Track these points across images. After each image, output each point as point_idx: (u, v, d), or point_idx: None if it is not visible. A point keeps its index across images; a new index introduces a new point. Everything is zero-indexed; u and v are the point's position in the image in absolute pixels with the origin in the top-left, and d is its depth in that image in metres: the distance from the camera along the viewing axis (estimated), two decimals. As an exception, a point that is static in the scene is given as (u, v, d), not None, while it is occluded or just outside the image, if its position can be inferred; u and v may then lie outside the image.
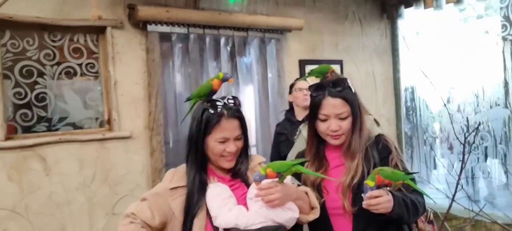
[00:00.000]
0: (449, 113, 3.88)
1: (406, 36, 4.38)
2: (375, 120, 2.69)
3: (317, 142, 1.64)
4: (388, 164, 1.54)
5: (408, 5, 4.11)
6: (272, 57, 3.48)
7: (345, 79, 1.58)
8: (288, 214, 1.42)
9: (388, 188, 1.43)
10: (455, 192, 3.61)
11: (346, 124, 1.55)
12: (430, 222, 2.07)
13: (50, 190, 2.61)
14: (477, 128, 3.95)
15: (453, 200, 3.60)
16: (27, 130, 2.61)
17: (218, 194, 1.44)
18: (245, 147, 1.53)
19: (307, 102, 2.61)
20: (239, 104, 1.51)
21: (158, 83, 2.89)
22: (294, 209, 1.44)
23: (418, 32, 4.69)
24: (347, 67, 3.96)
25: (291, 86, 2.83)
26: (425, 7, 3.92)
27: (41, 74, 2.63)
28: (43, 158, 2.59)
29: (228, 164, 1.48)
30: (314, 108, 1.59)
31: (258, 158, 1.65)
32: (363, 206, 1.40)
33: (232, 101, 1.49)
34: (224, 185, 1.48)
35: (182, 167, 1.52)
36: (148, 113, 2.92)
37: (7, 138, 2.48)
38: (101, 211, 2.78)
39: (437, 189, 4.16)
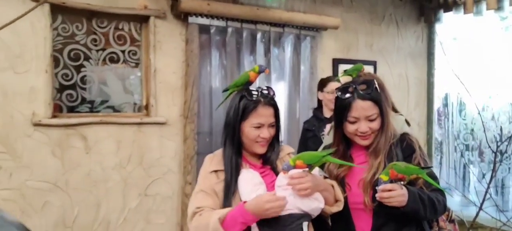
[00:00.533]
0: (482, 121, 3.82)
1: (443, 41, 4.32)
2: (406, 120, 2.69)
3: (344, 142, 1.68)
4: (411, 163, 1.57)
5: (447, 9, 4.04)
6: (306, 55, 3.52)
7: (373, 80, 1.61)
8: (314, 204, 1.50)
9: (401, 182, 1.47)
10: (483, 200, 3.58)
11: (375, 125, 1.59)
12: (451, 221, 2.09)
13: (89, 167, 2.76)
14: (510, 137, 3.87)
15: (480, 208, 3.57)
16: (71, 109, 2.77)
17: (249, 179, 1.53)
18: (277, 135, 1.62)
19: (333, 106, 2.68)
20: (274, 94, 1.60)
21: (195, 74, 2.99)
22: (320, 199, 1.51)
23: (455, 38, 4.61)
24: (380, 68, 3.95)
25: (322, 84, 2.85)
26: (464, 12, 3.85)
27: (87, 58, 2.78)
28: (84, 137, 2.73)
29: (261, 149, 1.57)
30: (342, 110, 1.61)
31: (287, 148, 1.73)
32: (377, 198, 1.46)
33: (266, 91, 1.59)
34: (255, 172, 1.56)
35: (219, 152, 1.62)
36: (183, 102, 3.02)
37: (53, 116, 2.64)
38: (135, 191, 2.91)
39: (464, 197, 4.12)
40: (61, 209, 2.69)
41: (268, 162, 1.62)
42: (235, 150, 1.58)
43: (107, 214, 2.83)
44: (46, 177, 2.63)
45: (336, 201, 1.58)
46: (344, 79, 2.76)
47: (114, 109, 2.91)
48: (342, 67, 3.72)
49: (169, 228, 3.03)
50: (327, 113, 2.80)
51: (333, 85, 2.72)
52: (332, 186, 1.58)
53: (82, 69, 2.77)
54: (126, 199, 2.89)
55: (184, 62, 3.01)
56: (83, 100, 2.80)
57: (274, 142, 1.62)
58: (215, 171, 1.58)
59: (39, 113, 2.57)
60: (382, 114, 1.60)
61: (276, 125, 1.60)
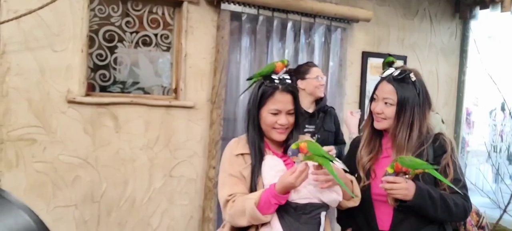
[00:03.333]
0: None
1: (478, 38, 4.20)
2: (441, 120, 2.67)
3: (371, 123, 1.69)
4: (440, 164, 1.57)
5: (483, 6, 3.92)
6: (336, 46, 3.49)
7: (409, 74, 1.59)
8: (333, 196, 1.53)
9: (406, 176, 1.48)
10: (508, 203, 3.51)
11: (389, 112, 1.58)
12: (481, 227, 2.05)
13: (118, 146, 2.84)
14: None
15: (504, 211, 3.50)
16: (103, 89, 2.85)
17: (273, 165, 1.56)
18: (297, 123, 1.62)
19: (321, 93, 2.60)
20: (294, 79, 1.63)
21: (224, 60, 3.01)
22: (339, 192, 1.54)
23: (490, 36, 4.48)
24: (410, 64, 3.88)
25: (304, 71, 2.61)
26: (501, 10, 3.72)
27: (121, 40, 2.84)
28: (115, 116, 2.81)
29: (279, 136, 1.58)
30: (374, 89, 1.66)
31: (308, 138, 1.72)
32: (380, 187, 1.50)
33: (288, 77, 1.60)
34: (279, 159, 1.59)
35: (243, 137, 1.65)
36: (211, 87, 3.06)
37: (87, 94, 2.72)
38: (160, 172, 2.99)
39: (489, 199, 4.05)
40: (90, 184, 2.79)
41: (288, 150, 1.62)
42: (258, 136, 1.60)
43: (133, 192, 2.92)
44: (78, 153, 2.73)
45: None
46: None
47: (144, 91, 2.98)
48: (372, 61, 3.68)
49: (192, 209, 3.11)
50: (307, 105, 2.60)
51: (316, 70, 2.61)
52: (351, 182, 1.60)
53: (116, 50, 2.84)
54: (152, 179, 2.97)
55: (214, 48, 3.04)
56: (115, 80, 2.87)
57: (293, 130, 1.62)
58: (242, 154, 1.59)
59: (74, 91, 2.65)
60: (400, 105, 1.57)
61: (295, 112, 1.60)
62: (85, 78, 2.70)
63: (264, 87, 1.57)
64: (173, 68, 3.00)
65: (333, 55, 3.50)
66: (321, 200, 1.53)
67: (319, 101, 2.66)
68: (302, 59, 3.38)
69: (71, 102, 2.65)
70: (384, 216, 1.61)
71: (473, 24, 4.15)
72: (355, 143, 1.80)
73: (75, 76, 2.65)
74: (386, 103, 1.59)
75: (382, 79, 1.62)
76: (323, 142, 2.51)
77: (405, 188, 1.46)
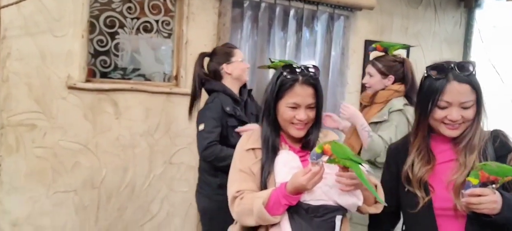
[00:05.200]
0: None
1: (482, 28, 4.15)
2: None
3: (426, 133, 1.46)
4: (506, 163, 1.35)
5: (489, -5, 3.87)
6: (338, 35, 3.46)
7: (474, 62, 1.40)
8: (352, 200, 1.40)
9: (493, 186, 1.27)
10: None
11: (469, 114, 1.37)
12: None
13: (118, 132, 2.84)
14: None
15: None
16: (104, 75, 2.83)
17: (287, 161, 1.44)
18: (318, 118, 1.50)
19: (247, 77, 2.39)
20: (318, 74, 1.47)
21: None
22: (359, 196, 1.41)
23: (495, 26, 4.42)
24: (413, 53, 3.84)
25: (228, 54, 2.37)
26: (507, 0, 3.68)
27: (121, 26, 2.81)
28: (115, 102, 2.80)
29: (297, 133, 1.46)
30: (432, 93, 1.37)
31: (332, 135, 1.59)
32: (462, 203, 1.28)
33: (312, 68, 1.46)
34: (295, 155, 1.47)
35: (257, 130, 1.54)
36: (212, 75, 3.04)
37: (87, 80, 2.70)
38: (160, 159, 2.99)
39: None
40: (90, 170, 2.79)
41: (307, 145, 1.50)
42: (272, 129, 1.48)
43: (133, 178, 2.93)
44: (78, 139, 2.73)
45: (376, 202, 1.46)
46: (372, 55, 2.60)
47: (145, 77, 2.96)
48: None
49: (192, 196, 3.07)
50: (236, 89, 2.38)
51: (239, 52, 2.40)
52: (375, 186, 1.44)
53: (117, 36, 2.81)
54: (152, 165, 2.97)
55: (215, 35, 3.01)
56: (116, 67, 2.86)
57: (314, 125, 1.50)
58: (253, 149, 1.49)
59: (74, 77, 2.64)
60: (479, 104, 1.38)
61: (317, 106, 1.47)
62: (86, 64, 2.69)
63: (282, 78, 1.44)
64: (174, 55, 2.98)
65: (335, 44, 3.47)
66: (337, 202, 1.40)
67: (243, 86, 2.45)
68: (304, 47, 3.35)
69: (71, 88, 2.64)
70: None
71: (478, 13, 4.10)
72: (393, 153, 1.59)
73: (76, 62, 2.63)
74: (463, 107, 1.36)
75: (445, 79, 1.35)
76: None
77: (494, 201, 1.23)
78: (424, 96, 1.40)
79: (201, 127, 2.28)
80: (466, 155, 1.38)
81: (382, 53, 2.48)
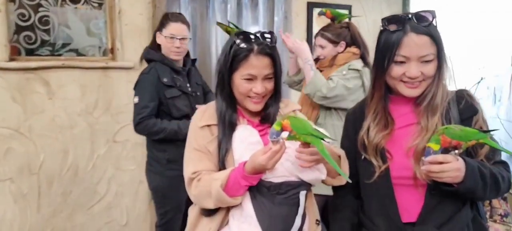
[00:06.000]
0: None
1: (419, -15, 4.24)
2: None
3: (383, 93, 1.32)
4: (471, 126, 1.22)
5: (425, -48, 3.93)
6: (280, -1, 3.40)
7: (433, 11, 1.25)
8: (314, 174, 1.33)
9: (456, 152, 1.14)
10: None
11: (430, 69, 1.23)
12: (504, 198, 1.88)
13: (53, 113, 2.67)
14: None
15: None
16: (30, 52, 2.62)
17: (245, 137, 1.35)
18: (277, 89, 1.39)
19: (178, 56, 2.25)
20: (275, 41, 1.35)
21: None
22: (322, 170, 1.34)
23: (432, -18, 4.54)
24: (355, 13, 3.88)
25: (162, 23, 2.25)
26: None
27: (44, -3, 2.60)
28: (47, 81, 2.62)
29: (254, 106, 1.37)
30: (388, 48, 1.23)
31: (293, 104, 1.52)
32: (422, 171, 1.15)
33: (268, 36, 1.34)
34: (254, 129, 1.38)
35: (212, 105, 1.43)
36: (151, 46, 2.91)
37: (11, 59, 2.50)
38: (103, 138, 2.85)
39: None
40: (26, 155, 2.62)
41: (267, 119, 1.41)
42: (228, 103, 1.38)
43: (75, 161, 2.78)
44: (8, 123, 2.54)
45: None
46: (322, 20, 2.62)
47: (78, 53, 2.78)
48: (317, 12, 3.63)
49: (140, 173, 2.98)
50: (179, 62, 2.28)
51: (174, 27, 2.22)
52: (339, 157, 1.36)
53: (40, 9, 2.59)
54: (94, 146, 2.83)
55: (150, 3, 2.86)
56: (43, 42, 2.65)
57: (273, 97, 1.41)
58: (208, 126, 1.38)
59: (-5, 56, 2.43)
60: (440, 58, 1.23)
61: (275, 77, 1.36)
62: (7, 41, 2.47)
63: (236, 48, 1.31)
64: (108, 27, 2.81)
65: (278, 9, 3.41)
66: (300, 178, 1.33)
67: (186, 55, 2.38)
68: (246, 13, 3.27)
69: (-7, 68, 2.43)
70: (409, 203, 1.26)
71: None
72: (350, 118, 1.46)
73: (-5, 39, 2.42)
74: (423, 61, 1.22)
75: (402, 31, 1.21)
76: (196, 99, 2.29)
77: (457, 168, 1.11)
78: (380, 52, 1.27)
79: (136, 99, 2.21)
80: (428, 117, 1.25)
81: (327, 22, 2.56)
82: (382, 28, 1.27)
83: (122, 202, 2.99)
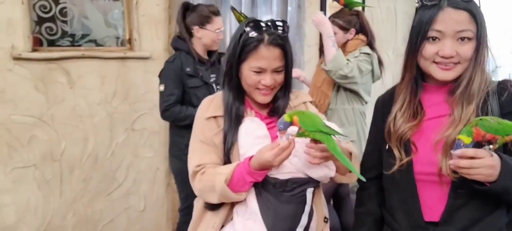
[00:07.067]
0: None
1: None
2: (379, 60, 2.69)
3: (414, 75, 1.19)
4: None
5: None
6: (293, -13, 3.42)
7: None
8: (323, 171, 1.28)
9: (490, 147, 1.00)
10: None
11: (466, 50, 1.09)
12: None
13: (74, 102, 2.75)
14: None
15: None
16: (52, 43, 2.70)
17: (252, 130, 1.30)
18: (287, 81, 1.34)
19: (217, 47, 2.40)
20: (287, 31, 1.29)
21: (178, 6, 2.88)
22: (331, 167, 1.29)
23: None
24: (369, 1, 3.88)
25: (201, 17, 2.33)
26: None
27: (64, -11, 2.67)
28: (67, 71, 2.70)
29: (263, 99, 1.31)
30: (422, 25, 1.11)
31: (303, 95, 1.45)
32: (450, 166, 1.03)
33: (280, 24, 1.28)
34: (261, 122, 1.33)
35: (219, 95, 1.38)
36: (167, 35, 2.96)
37: (34, 50, 2.58)
38: (121, 126, 2.93)
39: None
40: (48, 143, 2.71)
41: (276, 111, 1.36)
42: (235, 94, 1.33)
43: (95, 148, 2.86)
44: (31, 112, 2.63)
45: (350, 171, 1.29)
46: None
47: (96, 43, 2.85)
48: (330, 1, 3.64)
49: (158, 161, 3.09)
50: (204, 53, 2.38)
51: (218, 21, 2.34)
52: (351, 154, 1.29)
53: (61, 1, 2.67)
54: (113, 134, 2.91)
55: (167, -8, 2.92)
56: (64, 33, 2.73)
57: (283, 89, 1.35)
58: (214, 117, 1.33)
59: (19, 47, 2.51)
60: (479, 38, 1.09)
61: (286, 69, 1.30)
62: (30, 32, 2.55)
63: (246, 37, 1.25)
64: (125, 18, 2.87)
65: (291, -2, 3.44)
66: (307, 175, 1.28)
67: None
68: (260, 4, 3.30)
69: (17, 59, 2.51)
70: (433, 203, 1.14)
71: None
72: (379, 105, 1.34)
73: (18, 30, 2.50)
74: (460, 38, 1.09)
75: (438, 6, 1.09)
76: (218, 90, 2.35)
77: (490, 165, 0.97)
78: (414, 29, 1.15)
79: (161, 88, 2.32)
80: (463, 106, 1.11)
81: (339, 8, 2.62)
82: (417, 5, 1.16)
83: (140, 189, 3.07)
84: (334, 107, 2.46)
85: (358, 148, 2.30)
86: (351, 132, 2.43)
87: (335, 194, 2.64)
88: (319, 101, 2.48)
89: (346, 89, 2.42)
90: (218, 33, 2.36)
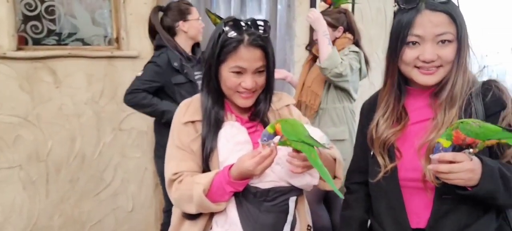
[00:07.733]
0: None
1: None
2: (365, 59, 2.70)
3: (397, 82, 1.16)
4: (497, 124, 1.03)
5: None
6: (283, -14, 3.42)
7: None
8: (306, 180, 1.23)
9: (470, 151, 0.98)
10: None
11: (447, 53, 1.07)
12: None
13: (60, 101, 2.71)
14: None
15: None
16: (37, 42, 2.66)
17: (232, 136, 1.24)
18: (269, 83, 1.27)
19: (201, 37, 2.42)
20: (268, 31, 1.22)
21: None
22: (314, 175, 1.24)
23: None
24: (359, 1, 3.88)
25: (184, 12, 2.35)
26: None
27: (50, -13, 2.64)
28: (53, 70, 2.66)
29: (243, 102, 1.24)
30: (400, 28, 1.09)
31: (286, 98, 1.39)
32: (430, 170, 1.01)
33: (261, 24, 1.21)
34: (242, 127, 1.26)
35: (197, 98, 1.31)
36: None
37: (19, 49, 2.54)
38: (109, 126, 2.90)
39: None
40: (34, 143, 2.68)
41: (257, 115, 1.29)
42: (215, 98, 1.25)
43: (82, 148, 2.83)
44: (16, 111, 2.59)
45: (335, 177, 1.27)
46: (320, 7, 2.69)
47: (83, 42, 2.81)
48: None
49: (146, 162, 3.07)
50: (189, 50, 2.40)
51: (196, 11, 2.41)
52: (335, 160, 1.27)
53: (47, -1, 2.64)
54: (100, 134, 2.88)
55: (155, -8, 2.89)
56: (50, 32, 2.69)
57: (264, 92, 1.28)
58: (192, 122, 1.26)
59: (3, 45, 2.47)
60: (460, 40, 1.07)
61: (267, 70, 1.24)
62: (15, 31, 2.52)
63: (224, 37, 1.18)
64: (113, 16, 2.84)
65: (281, -4, 3.43)
66: (290, 183, 1.22)
67: (196, 45, 2.49)
68: (250, 3, 3.29)
69: (1, 57, 2.48)
70: (419, 209, 1.13)
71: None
72: (364, 110, 1.32)
73: (3, 29, 2.46)
74: (440, 41, 1.07)
75: (416, 9, 1.07)
76: None
77: (470, 169, 0.94)
78: (393, 34, 1.13)
79: (139, 73, 2.26)
80: (446, 110, 1.09)
81: (326, 6, 2.62)
82: (395, 9, 1.14)
83: (128, 189, 3.05)
84: (325, 106, 2.46)
85: (349, 147, 2.31)
86: (343, 131, 2.45)
87: (327, 193, 2.64)
88: (310, 101, 2.47)
89: (336, 88, 2.42)
90: (200, 22, 2.40)
